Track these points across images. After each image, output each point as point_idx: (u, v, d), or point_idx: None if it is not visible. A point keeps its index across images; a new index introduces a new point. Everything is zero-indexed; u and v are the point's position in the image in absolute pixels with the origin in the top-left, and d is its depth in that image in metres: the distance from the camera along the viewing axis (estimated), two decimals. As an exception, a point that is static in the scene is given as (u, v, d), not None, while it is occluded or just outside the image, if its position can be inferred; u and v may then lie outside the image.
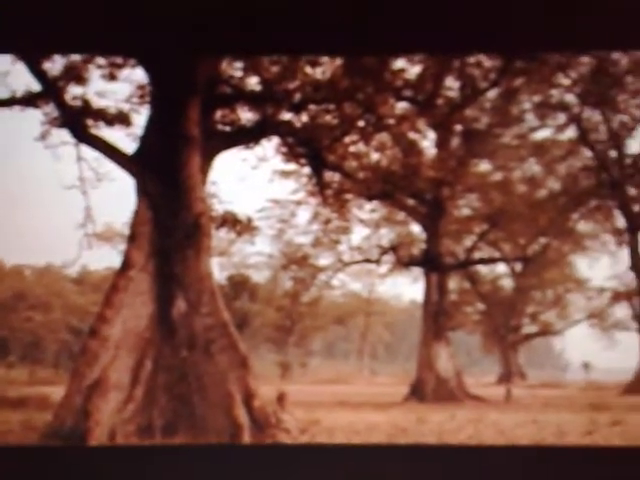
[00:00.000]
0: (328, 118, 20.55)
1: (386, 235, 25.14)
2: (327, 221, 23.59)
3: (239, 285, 25.55)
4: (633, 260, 25.19)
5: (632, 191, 25.58)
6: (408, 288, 26.59)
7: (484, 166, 25.29)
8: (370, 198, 22.85)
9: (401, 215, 25.03)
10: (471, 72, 22.86)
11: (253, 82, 19.66)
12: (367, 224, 24.48)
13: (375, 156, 22.18)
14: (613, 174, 25.07)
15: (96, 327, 15.35)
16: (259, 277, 26.69)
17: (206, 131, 17.24)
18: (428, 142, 23.48)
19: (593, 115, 25.00)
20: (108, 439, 14.31)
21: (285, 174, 22.60)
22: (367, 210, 24.01)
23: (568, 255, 27.15)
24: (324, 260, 24.82)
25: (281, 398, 16.49)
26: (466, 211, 26.12)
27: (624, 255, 25.52)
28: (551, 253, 26.38)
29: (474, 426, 17.14)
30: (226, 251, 24.38)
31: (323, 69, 20.02)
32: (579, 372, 27.42)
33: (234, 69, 19.40)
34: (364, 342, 29.30)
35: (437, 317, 23.28)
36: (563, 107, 24.61)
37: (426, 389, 22.55)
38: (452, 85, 23.41)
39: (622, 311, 26.02)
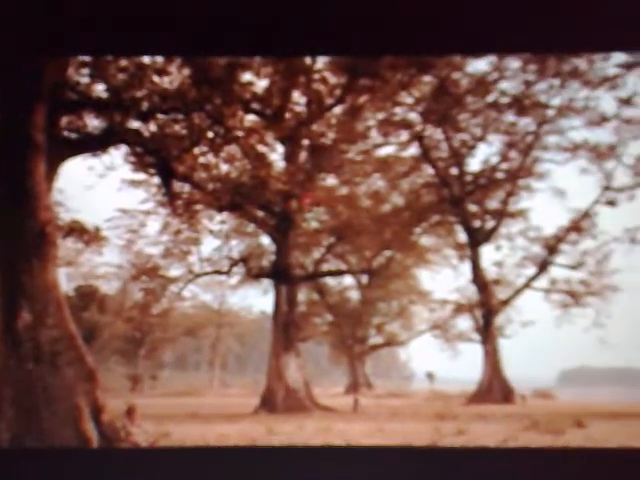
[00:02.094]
0: (177, 128, 21.03)
1: (236, 246, 25.58)
2: (177, 232, 23.96)
3: (87, 296, 25.22)
4: (474, 274, 26.94)
5: (472, 207, 27.27)
6: (258, 299, 26.94)
7: (331, 180, 26.14)
8: (220, 209, 23.38)
9: (251, 227, 25.47)
10: (317, 88, 23.72)
11: (100, 89, 19.97)
12: (217, 235, 24.92)
13: (224, 167, 22.83)
14: (454, 191, 26.75)
15: (-60, 338, 15.14)
16: (108, 288, 26.42)
17: (52, 138, 17.20)
18: (277, 155, 24.12)
19: (435, 133, 26.52)
20: (-47, 452, 14.17)
21: (134, 183, 22.86)
22: (217, 221, 24.53)
23: (412, 268, 28.54)
24: (174, 271, 25.08)
25: (130, 411, 16.83)
26: (314, 224, 27.00)
27: (466, 269, 27.28)
28: (395, 266, 27.70)
29: (322, 436, 17.93)
30: (74, 261, 24.02)
31: (171, 78, 20.50)
32: (424, 382, 28.74)
33: (81, 75, 19.57)
34: (215, 353, 29.55)
35: (287, 328, 23.99)
36: (406, 125, 25.91)
37: (276, 400, 23.18)
38: (299, 100, 24.21)
39: (464, 323, 27.55)
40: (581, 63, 23.64)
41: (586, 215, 26.02)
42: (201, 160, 21.90)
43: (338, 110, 24.62)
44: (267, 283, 25.20)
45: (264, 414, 22.37)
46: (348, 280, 28.77)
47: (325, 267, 27.37)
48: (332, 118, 24.97)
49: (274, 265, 24.44)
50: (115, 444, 15.65)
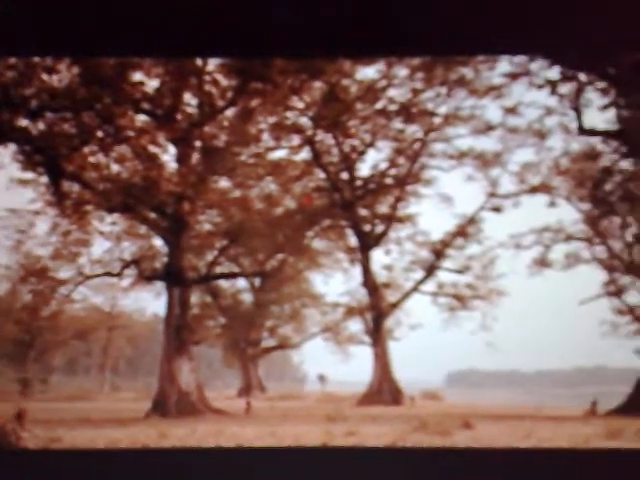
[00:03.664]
0: (66, 127, 21.02)
1: (128, 248, 25.38)
2: (67, 233, 23.69)
3: (-25, 298, 24.70)
4: (365, 277, 27.48)
5: (363, 211, 27.87)
6: (151, 302, 26.74)
7: (224, 183, 26.27)
8: (111, 210, 23.33)
9: (143, 228, 25.31)
10: (209, 90, 24.03)
11: (-12, 86, 19.71)
12: (108, 237, 24.74)
13: (115, 168, 22.84)
14: (345, 195, 27.38)
15: None
16: (-3, 290, 25.86)
17: (-63, 135, 17.05)
18: (169, 156, 24.15)
19: (326, 138, 27.03)
20: None
21: (22, 182, 22.59)
22: (108, 222, 24.36)
23: (304, 271, 28.85)
24: (64, 273, 24.74)
25: (20, 415, 16.75)
26: (207, 226, 27.05)
27: (356, 272, 27.75)
28: (288, 269, 28.10)
29: (215, 439, 18.32)
30: (-39, 262, 23.49)
31: (60, 77, 20.45)
32: (316, 384, 29.15)
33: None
34: (106, 357, 29.25)
35: (179, 331, 24.04)
36: (297, 129, 26.40)
37: (168, 403, 23.21)
38: (191, 101, 24.36)
39: (355, 326, 27.96)
40: (467, 72, 24.57)
41: (472, 221, 26.94)
42: (91, 159, 21.86)
43: (230, 113, 24.96)
44: (160, 285, 25.15)
45: (156, 418, 22.31)
46: (241, 283, 29.01)
47: (218, 270, 27.51)
48: (224, 120, 25.20)
49: (167, 267, 24.43)
50: (5, 448, 15.55)
